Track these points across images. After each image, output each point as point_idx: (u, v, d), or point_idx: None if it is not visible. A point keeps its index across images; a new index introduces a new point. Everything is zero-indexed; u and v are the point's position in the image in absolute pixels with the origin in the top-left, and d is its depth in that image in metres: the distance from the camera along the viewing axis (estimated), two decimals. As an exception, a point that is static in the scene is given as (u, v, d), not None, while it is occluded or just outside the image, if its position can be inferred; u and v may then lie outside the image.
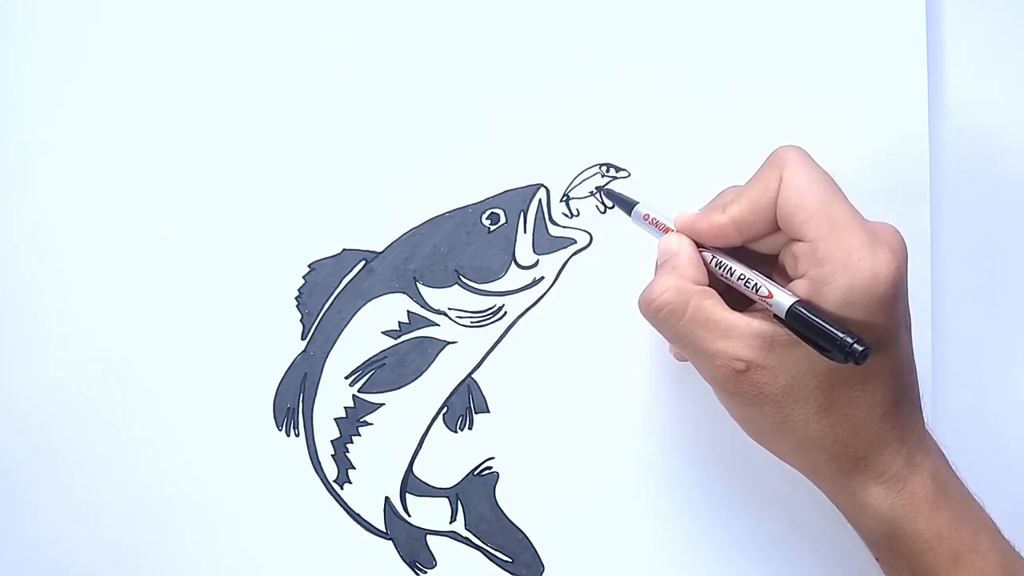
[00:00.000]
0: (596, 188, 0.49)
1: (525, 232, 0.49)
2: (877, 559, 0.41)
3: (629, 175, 0.49)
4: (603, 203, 0.48)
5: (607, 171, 0.49)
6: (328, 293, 0.49)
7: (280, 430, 0.49)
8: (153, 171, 0.50)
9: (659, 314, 0.39)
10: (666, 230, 0.42)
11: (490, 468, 0.49)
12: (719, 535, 0.48)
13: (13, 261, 0.50)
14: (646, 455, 0.48)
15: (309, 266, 0.49)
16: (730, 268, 0.40)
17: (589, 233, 0.49)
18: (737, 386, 0.38)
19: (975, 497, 0.41)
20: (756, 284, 0.38)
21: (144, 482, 0.50)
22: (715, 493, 0.48)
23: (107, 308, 0.50)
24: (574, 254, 0.49)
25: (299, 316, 0.49)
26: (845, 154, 0.48)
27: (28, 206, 0.50)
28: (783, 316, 0.37)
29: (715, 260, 0.40)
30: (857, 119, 0.48)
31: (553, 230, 0.49)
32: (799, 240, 0.37)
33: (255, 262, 0.49)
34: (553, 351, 0.49)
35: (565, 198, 0.49)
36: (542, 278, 0.49)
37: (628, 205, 0.45)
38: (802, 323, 0.36)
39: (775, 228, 0.39)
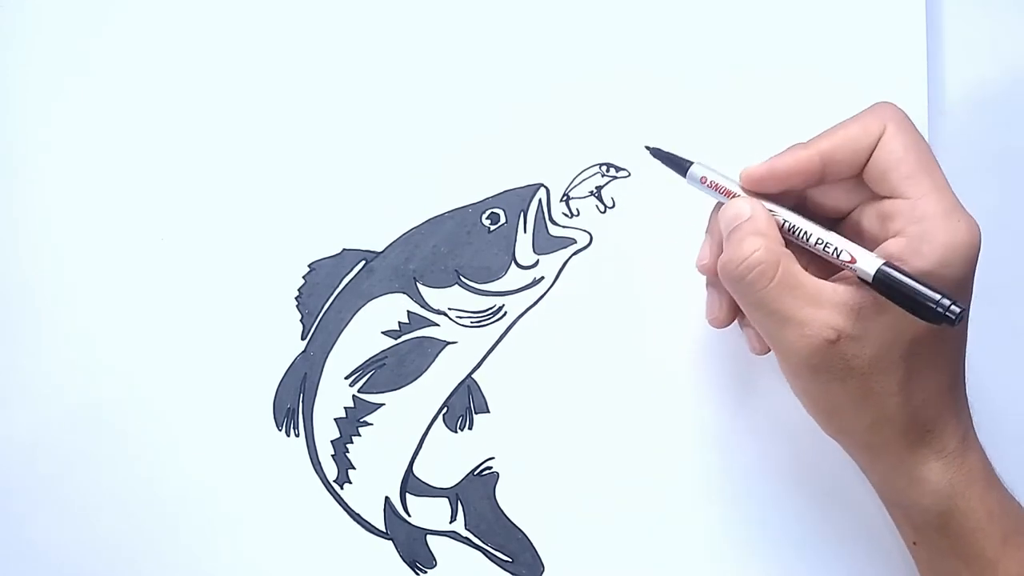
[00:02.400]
0: (596, 188, 0.49)
1: (525, 232, 0.49)
2: (915, 543, 0.41)
3: (629, 175, 0.49)
4: (602, 203, 0.48)
5: (607, 171, 0.49)
6: (328, 293, 0.49)
7: (280, 430, 0.49)
8: (153, 171, 0.50)
9: (748, 275, 0.37)
10: (728, 193, 0.39)
11: (490, 468, 0.49)
12: (719, 535, 0.48)
13: (13, 261, 0.50)
14: (646, 455, 0.48)
15: (309, 266, 0.49)
16: (806, 232, 0.38)
17: (589, 233, 0.49)
18: (824, 359, 0.37)
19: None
20: (837, 248, 0.37)
21: (144, 482, 0.50)
22: (715, 493, 0.48)
23: (107, 308, 0.50)
24: (574, 254, 0.49)
25: (299, 316, 0.49)
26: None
27: (28, 206, 0.50)
28: (869, 280, 0.35)
29: (787, 225, 0.38)
30: (857, 119, 0.48)
31: (553, 230, 0.49)
32: (891, 197, 0.37)
33: (255, 262, 0.49)
34: (553, 351, 0.49)
35: (565, 198, 0.49)
36: (542, 278, 0.49)
37: (681, 167, 0.41)
38: (891, 286, 0.35)
39: (855, 174, 0.38)
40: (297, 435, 0.49)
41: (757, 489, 0.48)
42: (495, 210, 0.49)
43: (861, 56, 0.48)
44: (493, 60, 0.49)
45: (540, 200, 0.49)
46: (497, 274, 0.49)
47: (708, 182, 0.40)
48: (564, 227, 0.49)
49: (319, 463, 0.49)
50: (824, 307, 0.36)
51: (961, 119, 0.49)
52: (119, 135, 0.50)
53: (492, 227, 0.49)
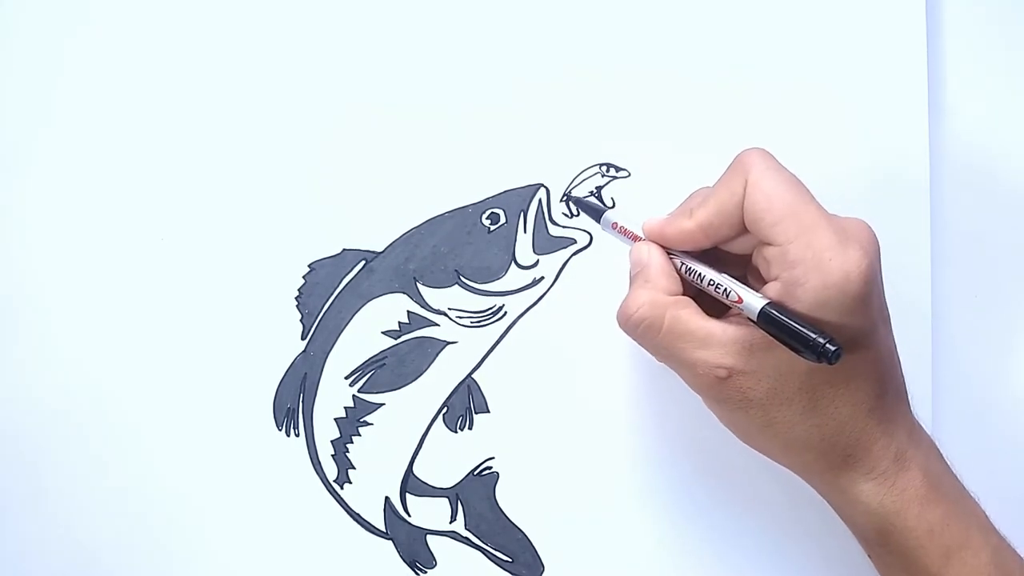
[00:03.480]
0: (596, 188, 0.49)
1: (525, 232, 0.49)
2: (869, 555, 0.41)
3: (629, 175, 0.49)
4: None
5: (607, 171, 0.49)
6: (328, 293, 0.49)
7: (280, 430, 0.49)
8: (153, 171, 0.50)
9: (637, 330, 0.39)
10: (635, 238, 0.42)
11: (490, 468, 0.49)
12: (718, 535, 0.48)
13: (13, 261, 0.50)
14: (646, 455, 0.48)
15: (309, 266, 0.49)
16: (700, 274, 0.40)
17: (589, 233, 0.49)
18: (721, 393, 0.38)
19: (969, 493, 0.41)
20: (726, 289, 0.38)
21: (144, 482, 0.50)
22: (715, 493, 0.48)
23: (107, 308, 0.50)
24: (574, 254, 0.49)
25: (299, 316, 0.49)
26: (845, 154, 0.48)
27: (27, 206, 0.50)
28: (755, 319, 0.37)
29: (684, 267, 0.40)
30: (857, 119, 0.48)
31: (553, 230, 0.49)
32: (768, 244, 0.37)
33: (255, 262, 0.49)
34: (553, 351, 0.49)
35: (565, 198, 0.49)
36: (542, 278, 0.49)
37: (596, 213, 0.45)
38: (774, 325, 0.36)
39: (743, 231, 0.39)
40: (297, 435, 0.49)
41: (759, 490, 0.48)
42: (495, 210, 0.49)
43: (861, 58, 0.48)
44: (493, 60, 0.49)
45: (540, 200, 0.49)
46: (497, 274, 0.49)
47: (619, 227, 0.43)
48: (564, 227, 0.49)
49: (319, 463, 0.49)
50: (713, 348, 0.38)
51: (961, 120, 0.49)
52: (119, 135, 0.50)
53: (492, 227, 0.49)
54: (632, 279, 0.41)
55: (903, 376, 0.40)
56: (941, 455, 0.41)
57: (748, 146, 0.40)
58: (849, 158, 0.48)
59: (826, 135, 0.48)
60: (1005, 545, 0.40)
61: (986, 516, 0.40)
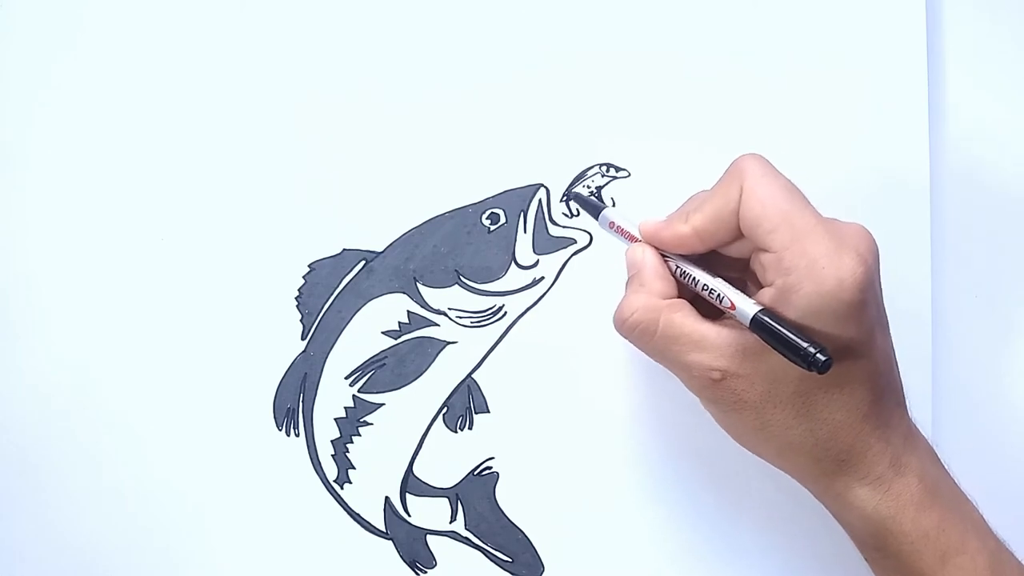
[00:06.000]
0: (596, 188, 0.48)
1: (525, 232, 0.49)
2: (866, 559, 0.42)
3: (629, 175, 0.49)
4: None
5: (607, 171, 0.49)
6: (328, 293, 0.49)
7: (280, 430, 0.49)
8: (153, 171, 0.50)
9: (633, 333, 0.40)
10: (632, 238, 0.42)
11: (490, 468, 0.49)
12: (717, 535, 0.48)
13: (13, 261, 0.50)
14: (646, 455, 0.49)
15: (309, 266, 0.49)
16: (694, 278, 0.40)
17: (589, 233, 0.49)
18: (716, 394, 0.39)
19: (967, 496, 0.41)
20: (720, 294, 0.39)
21: (144, 482, 0.50)
22: (715, 493, 0.48)
23: (107, 308, 0.50)
24: (574, 254, 0.49)
25: (299, 316, 0.49)
26: (846, 156, 0.48)
27: (27, 206, 0.50)
28: (747, 325, 0.37)
29: (679, 270, 0.41)
30: (857, 119, 0.48)
31: (553, 230, 0.49)
32: (764, 250, 0.37)
33: (255, 262, 0.49)
34: (553, 351, 0.49)
35: (565, 198, 0.49)
36: (542, 278, 0.49)
37: (595, 210, 0.45)
38: (766, 332, 0.36)
39: (740, 235, 0.39)
40: (297, 435, 0.49)
41: (758, 491, 0.48)
42: (495, 210, 0.49)
43: (861, 58, 0.48)
44: (493, 60, 0.49)
45: (540, 200, 0.49)
46: (497, 274, 0.49)
47: (615, 227, 0.44)
48: (564, 227, 0.49)
49: (319, 463, 0.49)
50: (707, 350, 0.38)
51: (961, 120, 0.49)
52: (119, 135, 0.50)
53: (492, 227, 0.49)
54: (627, 282, 0.42)
55: (901, 380, 0.40)
56: (938, 459, 0.41)
57: (748, 147, 0.40)
58: (849, 160, 0.48)
59: (826, 137, 0.48)
60: (1003, 549, 0.40)
61: (984, 520, 0.40)
